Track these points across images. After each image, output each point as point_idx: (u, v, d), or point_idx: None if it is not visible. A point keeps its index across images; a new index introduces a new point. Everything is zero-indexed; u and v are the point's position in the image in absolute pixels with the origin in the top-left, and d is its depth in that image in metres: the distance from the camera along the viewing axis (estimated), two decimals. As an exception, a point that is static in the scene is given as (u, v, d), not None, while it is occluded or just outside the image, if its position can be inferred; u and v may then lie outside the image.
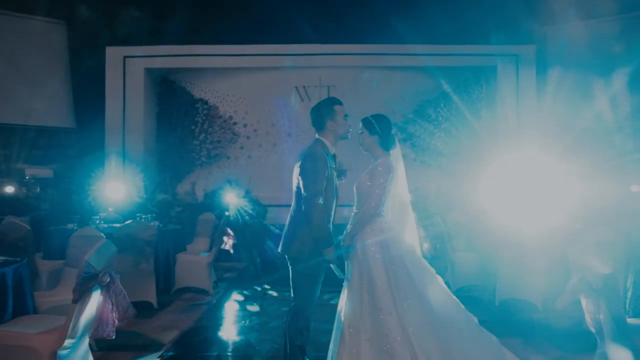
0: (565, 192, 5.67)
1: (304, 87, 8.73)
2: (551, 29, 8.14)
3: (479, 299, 4.92)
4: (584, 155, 7.09)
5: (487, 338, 2.68)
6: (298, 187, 2.76)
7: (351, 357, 2.54)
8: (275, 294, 5.37)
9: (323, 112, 2.83)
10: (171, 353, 3.46)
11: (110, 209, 5.92)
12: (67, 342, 2.21)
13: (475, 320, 2.71)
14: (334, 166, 2.82)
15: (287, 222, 2.83)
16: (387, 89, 8.46)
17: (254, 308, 4.79)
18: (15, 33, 7.93)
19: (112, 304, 2.28)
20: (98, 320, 2.29)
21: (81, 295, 2.28)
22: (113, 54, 8.29)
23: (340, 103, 2.88)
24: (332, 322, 2.89)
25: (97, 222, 5.23)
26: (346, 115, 2.87)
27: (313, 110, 2.87)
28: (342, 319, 2.70)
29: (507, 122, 8.07)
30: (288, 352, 2.75)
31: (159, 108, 8.91)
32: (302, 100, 8.68)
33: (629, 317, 2.81)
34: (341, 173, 2.98)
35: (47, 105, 8.13)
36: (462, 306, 2.68)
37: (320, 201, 2.60)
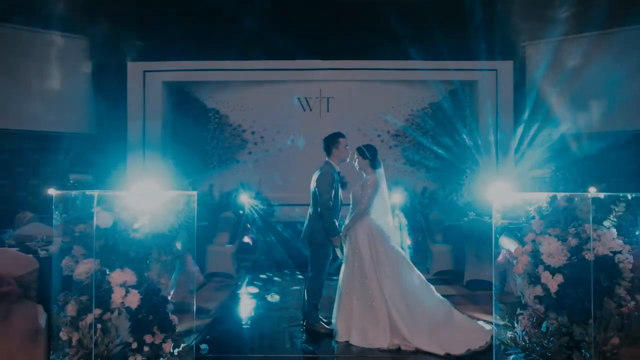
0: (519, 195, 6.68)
1: (305, 98, 9.35)
2: (529, 45, 8.78)
3: (451, 280, 6.11)
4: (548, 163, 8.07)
5: (441, 300, 3.87)
6: (314, 195, 3.93)
7: (346, 311, 3.73)
8: (279, 279, 6.52)
9: (331, 142, 4.00)
10: (218, 315, 4.65)
11: None
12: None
13: (433, 288, 3.88)
14: (338, 180, 3.98)
15: (306, 219, 4.01)
16: (380, 100, 9.08)
17: (269, 289, 5.93)
18: (40, 49, 8.32)
19: (189, 274, 3.40)
20: (179, 286, 3.41)
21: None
22: (134, 69, 8.91)
23: (343, 136, 4.03)
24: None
25: None
26: (347, 145, 4.02)
27: (324, 141, 4.03)
28: (340, 285, 3.87)
29: (486, 132, 8.83)
30: (306, 307, 3.94)
31: (175, 117, 9.47)
32: (304, 110, 9.32)
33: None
34: (344, 185, 4.15)
35: (72, 115, 8.62)
36: (424, 277, 3.86)
37: (330, 205, 3.78)
